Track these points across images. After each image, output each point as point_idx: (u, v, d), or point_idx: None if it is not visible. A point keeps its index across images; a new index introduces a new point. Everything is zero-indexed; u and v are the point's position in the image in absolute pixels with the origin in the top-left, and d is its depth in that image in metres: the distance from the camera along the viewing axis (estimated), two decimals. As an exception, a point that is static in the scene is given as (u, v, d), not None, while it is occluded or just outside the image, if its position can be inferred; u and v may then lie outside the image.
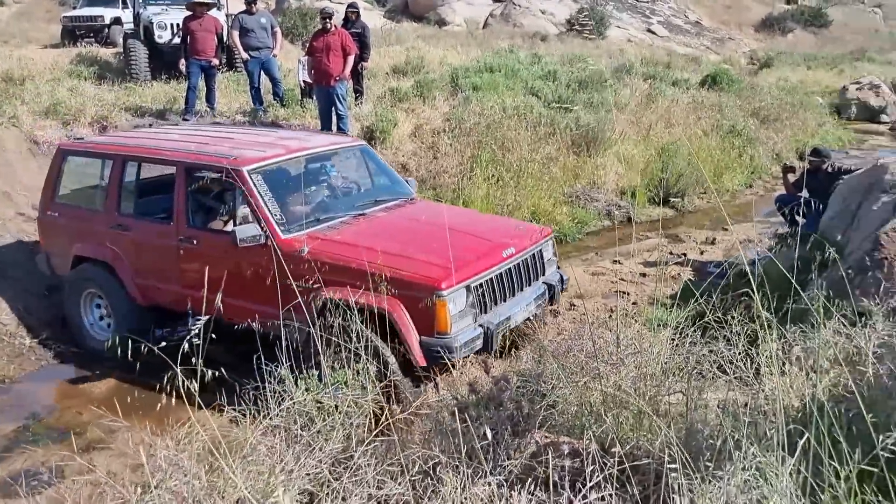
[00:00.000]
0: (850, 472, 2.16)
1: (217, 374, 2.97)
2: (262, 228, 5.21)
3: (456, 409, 3.47)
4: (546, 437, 3.39)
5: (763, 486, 2.33)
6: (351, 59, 10.13)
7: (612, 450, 3.07)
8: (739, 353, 3.35)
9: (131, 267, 5.94)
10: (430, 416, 3.70)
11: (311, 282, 4.90)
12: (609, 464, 2.71)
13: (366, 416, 3.67)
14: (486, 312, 5.06)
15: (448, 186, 9.41)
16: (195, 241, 5.62)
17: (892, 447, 2.23)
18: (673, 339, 3.60)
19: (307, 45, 11.04)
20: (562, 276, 5.86)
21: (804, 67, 26.97)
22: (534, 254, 5.59)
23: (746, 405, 3.65)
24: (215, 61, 10.89)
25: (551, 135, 10.94)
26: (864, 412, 2.84)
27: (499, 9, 28.49)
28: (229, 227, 5.85)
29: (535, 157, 10.13)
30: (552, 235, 6.02)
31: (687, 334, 3.57)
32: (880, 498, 2.11)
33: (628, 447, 3.06)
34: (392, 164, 8.47)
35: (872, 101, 20.51)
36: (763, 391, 3.27)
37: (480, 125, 10.51)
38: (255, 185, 5.43)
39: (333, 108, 10.11)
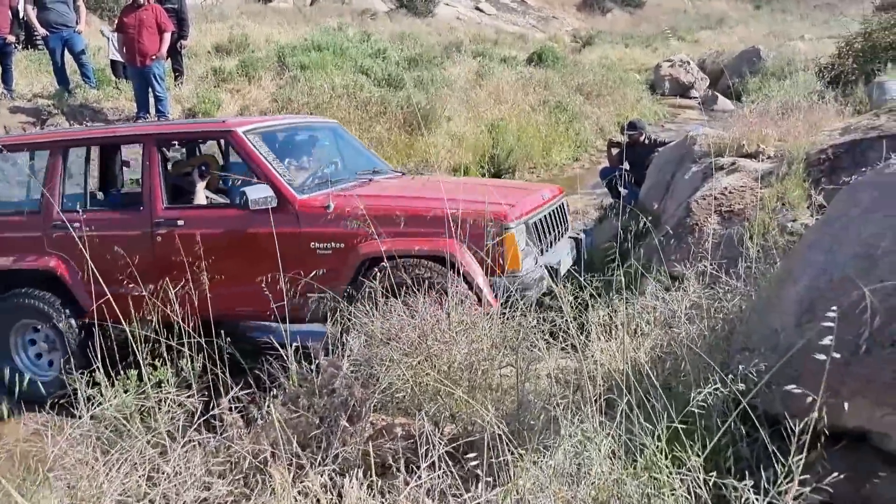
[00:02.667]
0: (661, 431, 2.24)
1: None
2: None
3: (287, 399, 3.36)
4: (383, 420, 3.34)
5: (588, 451, 2.38)
6: (167, 37, 9.54)
7: (446, 428, 3.06)
8: (571, 322, 3.44)
9: (84, 275, 4.76)
10: (259, 409, 3.54)
11: (339, 242, 4.42)
12: (442, 443, 2.70)
13: (189, 414, 3.45)
14: (542, 255, 4.78)
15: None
16: (179, 223, 4.83)
17: (701, 403, 2.34)
18: (504, 314, 3.64)
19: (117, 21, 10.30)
20: (587, 232, 5.67)
21: (622, 45, 28.46)
22: (561, 205, 5.37)
23: (576, 371, 3.77)
24: (10, 38, 9.91)
25: (382, 114, 10.88)
26: (678, 371, 3.00)
27: (327, -15, 27.94)
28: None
29: (367, 137, 10.02)
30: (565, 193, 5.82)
31: (518, 307, 3.63)
32: (690, 454, 2.20)
33: (462, 424, 3.07)
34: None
35: (683, 78, 21.94)
36: (592, 357, 3.37)
37: (310, 105, 10.27)
38: (254, 146, 4.85)
39: (150, 90, 9.51)
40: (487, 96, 13.10)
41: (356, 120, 10.31)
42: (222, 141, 5.97)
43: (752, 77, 15.56)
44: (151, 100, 9.62)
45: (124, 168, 6.36)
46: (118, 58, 10.48)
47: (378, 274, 4.14)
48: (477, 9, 31.20)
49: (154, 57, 9.34)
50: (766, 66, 17.43)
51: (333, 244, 4.46)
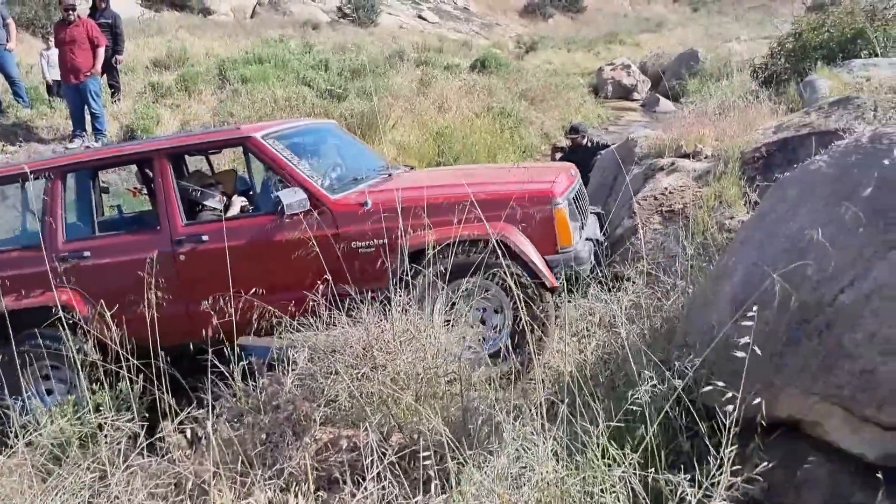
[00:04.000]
0: (601, 430, 2.26)
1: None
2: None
3: (231, 417, 3.31)
4: (329, 432, 3.31)
5: (531, 453, 2.40)
6: (101, 52, 9.35)
7: (392, 438, 3.05)
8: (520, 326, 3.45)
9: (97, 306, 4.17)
10: (203, 428, 3.48)
11: (382, 237, 4.21)
12: (388, 453, 2.69)
13: (129, 437, 3.37)
14: (582, 229, 4.71)
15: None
16: (204, 238, 4.56)
17: (641, 401, 2.37)
18: (448, 322, 3.64)
19: (51, 37, 10.07)
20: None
21: (565, 50, 28.81)
22: (580, 181, 5.25)
23: (520, 374, 3.80)
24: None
25: (325, 124, 10.82)
26: (621, 371, 3.04)
27: (267, -3, 27.72)
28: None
29: (311, 148, 9.96)
30: None
31: (464, 315, 3.64)
32: (627, 451, 2.23)
33: (408, 433, 3.07)
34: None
35: (625, 81, 22.27)
36: (539, 359, 3.40)
37: (252, 118, 10.16)
38: (277, 150, 4.67)
39: (86, 107, 9.30)
40: (431, 104, 13.13)
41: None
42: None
43: (691, 78, 15.88)
44: (88, 117, 9.41)
45: (102, 195, 5.99)
46: (50, 77, 10.23)
47: (431, 263, 3.98)
48: (420, 17, 31.29)
49: (88, 73, 9.15)
50: (704, 67, 17.79)
51: (376, 241, 4.29)
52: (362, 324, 3.53)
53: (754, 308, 2.81)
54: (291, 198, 4.33)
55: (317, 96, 11.97)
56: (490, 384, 3.23)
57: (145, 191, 5.94)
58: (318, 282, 3.83)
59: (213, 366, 3.32)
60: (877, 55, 8.39)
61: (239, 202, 5.33)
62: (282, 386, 3.22)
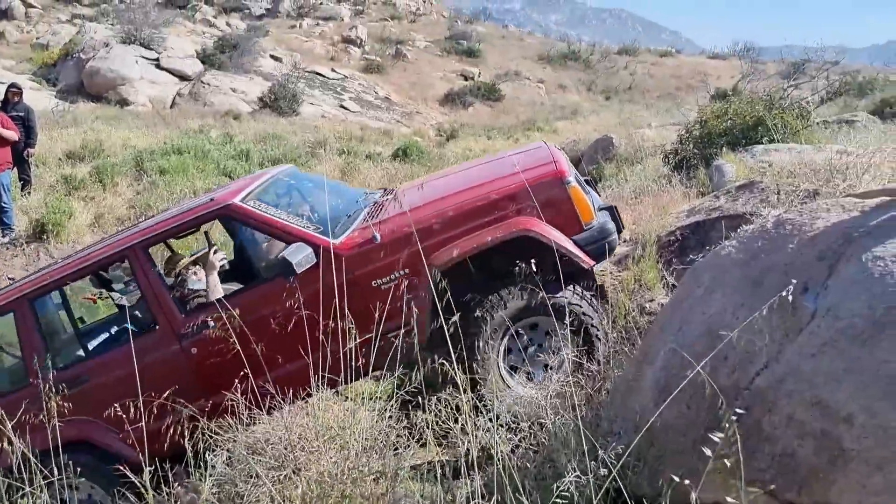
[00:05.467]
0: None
1: None
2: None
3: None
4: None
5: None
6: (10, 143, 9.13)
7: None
8: (442, 417, 3.39)
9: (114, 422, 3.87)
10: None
11: (402, 268, 4.03)
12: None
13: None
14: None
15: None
16: (210, 325, 4.14)
17: (564, 493, 2.34)
18: (374, 411, 3.56)
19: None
20: None
21: (485, 137, 29.56)
22: None
23: (445, 465, 3.71)
24: None
25: (248, 215, 10.72)
26: (548, 462, 3.01)
27: (187, 87, 27.69)
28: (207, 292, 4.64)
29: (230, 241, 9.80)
30: None
31: (386, 408, 3.55)
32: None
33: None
34: (69, 259, 7.67)
35: (543, 165, 22.85)
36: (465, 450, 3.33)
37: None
38: (262, 211, 4.39)
39: (-6, 201, 9.00)
40: (354, 193, 13.19)
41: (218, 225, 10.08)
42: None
43: (607, 163, 16.47)
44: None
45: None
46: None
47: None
48: (342, 107, 31.78)
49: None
50: (618, 152, 18.51)
51: (397, 273, 4.11)
52: (284, 421, 3.41)
53: (675, 394, 2.85)
54: (298, 255, 4.07)
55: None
56: (421, 477, 3.14)
57: (104, 294, 5.52)
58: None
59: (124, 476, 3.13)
60: (776, 141, 8.90)
61: (217, 283, 4.85)
62: (198, 495, 3.05)
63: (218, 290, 4.74)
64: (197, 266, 5.08)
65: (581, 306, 4.10)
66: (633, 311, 5.07)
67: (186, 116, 22.97)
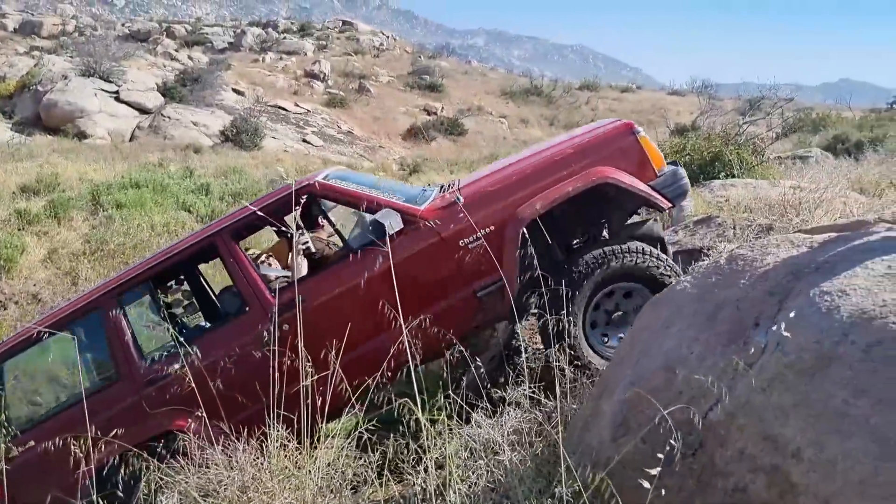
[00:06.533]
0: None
1: None
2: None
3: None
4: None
5: None
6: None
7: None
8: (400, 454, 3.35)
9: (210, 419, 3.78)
10: None
11: (489, 225, 4.14)
12: None
13: None
14: None
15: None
16: (302, 301, 4.09)
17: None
18: (331, 448, 3.50)
19: None
20: None
21: (448, 171, 29.68)
22: None
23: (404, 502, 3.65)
24: None
25: (206, 250, 10.58)
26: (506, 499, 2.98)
27: (147, 120, 27.46)
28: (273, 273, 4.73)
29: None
30: None
31: (343, 446, 3.49)
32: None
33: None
34: (21, 294, 7.50)
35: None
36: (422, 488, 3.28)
37: (126, 245, 9.80)
38: (342, 182, 4.55)
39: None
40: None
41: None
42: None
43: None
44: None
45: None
46: None
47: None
48: (304, 141, 31.74)
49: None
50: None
51: (483, 231, 4.17)
52: (237, 463, 3.34)
53: (632, 428, 2.86)
54: (388, 219, 4.16)
55: (197, 221, 11.75)
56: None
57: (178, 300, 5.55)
58: (448, 289, 3.94)
59: None
60: (733, 176, 9.10)
61: (300, 247, 4.89)
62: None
63: (303, 269, 4.79)
64: (268, 256, 5.25)
65: (660, 266, 4.32)
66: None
67: (146, 150, 22.74)
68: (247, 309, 4.43)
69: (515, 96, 45.08)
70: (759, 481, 2.21)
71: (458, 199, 4.30)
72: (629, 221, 4.97)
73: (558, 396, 3.17)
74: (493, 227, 4.20)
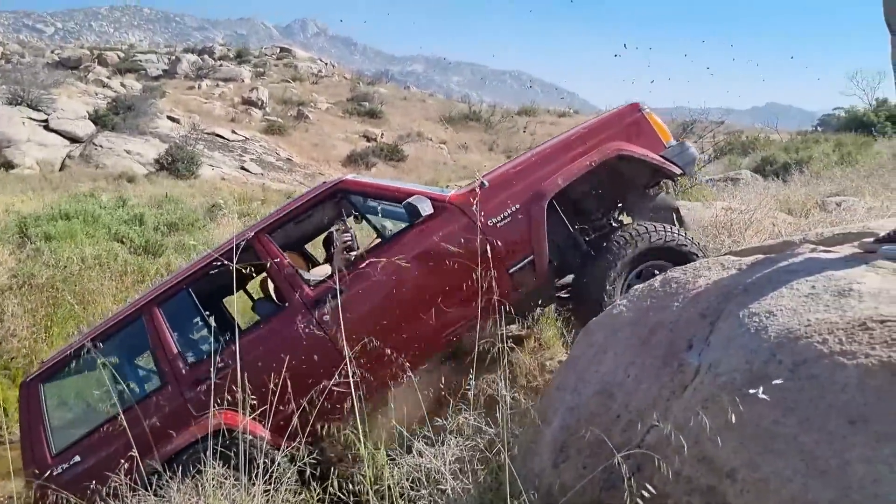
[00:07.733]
0: None
1: None
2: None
3: None
4: None
5: None
6: None
7: None
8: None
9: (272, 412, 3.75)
10: None
11: (514, 203, 4.38)
12: None
13: None
14: None
15: (18, 351, 8.20)
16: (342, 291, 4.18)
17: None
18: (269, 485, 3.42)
19: None
20: None
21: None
22: None
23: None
24: None
25: (140, 282, 10.29)
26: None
27: (78, 149, 26.74)
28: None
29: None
30: None
31: (283, 481, 3.42)
32: None
33: None
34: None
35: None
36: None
37: (55, 279, 9.47)
38: (371, 179, 4.78)
39: None
40: (255, 255, 12.92)
41: (111, 291, 9.63)
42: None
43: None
44: None
45: None
46: None
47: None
48: (243, 168, 31.37)
49: None
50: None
51: (509, 209, 4.40)
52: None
53: (571, 454, 2.86)
54: (420, 203, 4.36)
55: (130, 252, 11.45)
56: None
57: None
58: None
59: None
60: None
61: (342, 243, 5.31)
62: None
63: (326, 269, 5.14)
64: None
65: (686, 244, 4.54)
66: (535, 369, 5.09)
67: (77, 179, 22.14)
68: (286, 305, 4.55)
69: (455, 122, 45.48)
70: (696, 502, 2.23)
71: (483, 183, 4.46)
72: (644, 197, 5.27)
73: (500, 423, 3.16)
74: (519, 205, 4.43)
